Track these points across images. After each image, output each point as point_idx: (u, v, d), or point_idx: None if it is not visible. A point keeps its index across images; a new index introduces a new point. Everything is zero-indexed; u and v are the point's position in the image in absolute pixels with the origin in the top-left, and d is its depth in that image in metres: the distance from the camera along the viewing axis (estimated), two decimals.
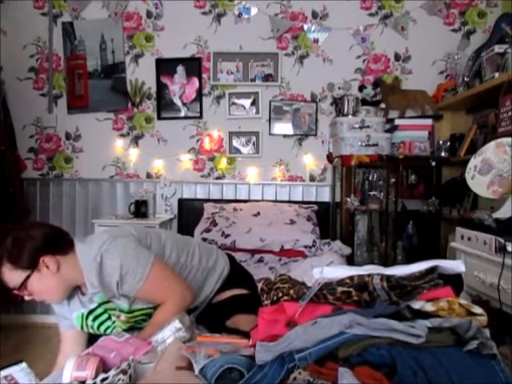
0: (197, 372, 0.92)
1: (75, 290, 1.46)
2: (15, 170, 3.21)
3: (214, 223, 2.91)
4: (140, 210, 3.19)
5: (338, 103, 3.17)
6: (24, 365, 1.18)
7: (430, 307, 0.91)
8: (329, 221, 3.27)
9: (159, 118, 3.40)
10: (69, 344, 1.53)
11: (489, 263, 1.81)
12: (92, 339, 1.44)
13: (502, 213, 1.90)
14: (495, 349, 0.82)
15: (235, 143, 3.38)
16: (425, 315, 0.88)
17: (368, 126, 2.91)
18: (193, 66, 3.36)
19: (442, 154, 3.03)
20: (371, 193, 2.99)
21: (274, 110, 3.34)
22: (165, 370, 0.97)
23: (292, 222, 2.88)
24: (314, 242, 2.77)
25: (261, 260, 2.75)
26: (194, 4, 3.34)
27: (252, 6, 3.30)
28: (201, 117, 3.38)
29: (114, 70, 3.39)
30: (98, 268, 1.35)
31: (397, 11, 3.28)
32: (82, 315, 1.47)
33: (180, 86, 3.37)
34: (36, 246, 1.32)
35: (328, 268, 1.05)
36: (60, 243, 1.39)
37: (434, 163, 2.88)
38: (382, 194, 2.96)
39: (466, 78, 2.88)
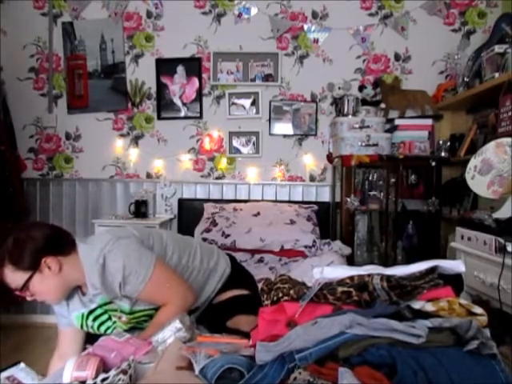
0: (197, 372, 0.92)
1: (75, 290, 1.46)
2: (15, 170, 3.21)
3: (214, 223, 2.91)
4: (140, 210, 3.19)
5: (338, 103, 3.17)
6: (22, 365, 1.19)
7: (430, 307, 0.91)
8: (329, 221, 3.27)
9: (159, 118, 3.40)
10: (66, 341, 1.53)
11: (489, 263, 1.81)
12: (92, 339, 1.44)
13: (502, 213, 1.90)
14: (495, 349, 0.82)
15: (235, 143, 3.38)
16: (425, 315, 0.88)
17: (368, 126, 2.91)
18: (193, 65, 3.36)
19: (442, 153, 3.03)
20: (371, 193, 2.99)
21: (274, 109, 3.35)
22: (165, 370, 0.97)
23: (292, 222, 2.88)
24: (314, 242, 2.77)
25: (261, 260, 2.75)
26: (194, 4, 3.34)
27: (252, 6, 3.30)
28: (201, 117, 3.38)
29: (114, 70, 3.39)
30: (101, 269, 1.35)
31: (397, 11, 3.28)
32: (83, 315, 1.47)
33: (180, 86, 3.37)
34: (37, 246, 1.32)
35: (328, 268, 1.05)
36: (61, 244, 1.38)
37: (434, 163, 2.88)
38: (381, 193, 2.96)
39: (465, 78, 2.88)
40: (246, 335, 1.15)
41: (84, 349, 1.38)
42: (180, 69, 3.36)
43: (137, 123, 3.42)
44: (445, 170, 3.05)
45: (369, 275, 0.96)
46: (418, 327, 0.81)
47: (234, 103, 3.36)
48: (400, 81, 3.27)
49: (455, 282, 1.00)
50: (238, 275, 1.72)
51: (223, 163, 3.40)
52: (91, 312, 1.46)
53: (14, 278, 1.31)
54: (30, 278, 1.31)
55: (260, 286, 1.16)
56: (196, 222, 3.02)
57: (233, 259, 1.79)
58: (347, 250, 2.80)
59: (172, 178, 3.41)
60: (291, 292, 1.03)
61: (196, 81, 3.36)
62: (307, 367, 0.81)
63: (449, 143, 3.06)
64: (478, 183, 1.98)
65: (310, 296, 0.97)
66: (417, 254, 2.71)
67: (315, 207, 3.14)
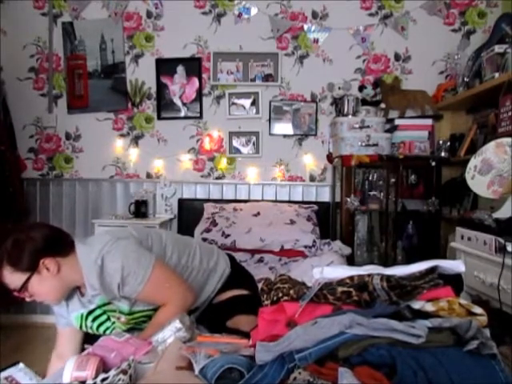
0: (197, 372, 0.92)
1: (74, 291, 1.46)
2: (15, 170, 3.21)
3: (214, 223, 2.91)
4: (140, 209, 3.19)
5: (338, 103, 3.17)
6: (21, 365, 1.19)
7: (430, 307, 0.91)
8: (329, 221, 3.27)
9: (159, 117, 3.40)
10: (64, 341, 1.53)
11: (489, 263, 1.81)
12: (92, 339, 1.44)
13: (502, 213, 1.90)
14: (495, 349, 0.82)
15: (235, 143, 3.38)
16: (425, 315, 0.88)
17: (368, 126, 2.91)
18: (193, 65, 3.36)
19: (442, 153, 3.03)
20: (371, 193, 2.99)
21: (274, 110, 3.34)
22: (165, 370, 0.97)
23: (292, 222, 2.88)
24: (314, 242, 2.77)
25: (261, 260, 2.75)
26: (194, 4, 3.34)
27: (252, 6, 3.30)
28: (201, 117, 3.38)
29: (114, 70, 3.39)
30: (99, 270, 1.35)
31: (397, 11, 3.28)
32: (82, 316, 1.47)
33: (180, 86, 3.37)
34: (36, 247, 1.32)
35: (328, 268, 1.05)
36: (60, 245, 1.38)
37: (433, 163, 2.88)
38: (381, 194, 2.96)
39: (465, 78, 2.88)
40: (246, 335, 1.15)
41: (83, 349, 1.37)
42: (180, 69, 3.36)
43: (137, 123, 3.42)
44: (445, 170, 3.05)
45: (369, 275, 0.96)
46: (418, 327, 0.81)
47: (233, 103, 3.36)
48: (400, 81, 3.27)
49: (455, 282, 1.00)
50: (238, 275, 1.72)
51: (223, 163, 3.40)
52: (90, 313, 1.46)
53: (13, 279, 1.31)
54: (29, 279, 1.31)
55: (260, 285, 1.16)
56: (196, 222, 3.01)
57: (232, 259, 1.79)
58: (347, 250, 2.80)
59: (172, 177, 3.41)
60: (291, 292, 1.03)
61: (196, 81, 3.36)
62: (307, 367, 0.81)
63: (449, 143, 3.06)
64: (478, 183, 1.98)
65: (309, 296, 0.97)
66: (417, 254, 2.71)
67: (315, 207, 3.14)
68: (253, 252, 2.80)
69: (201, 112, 3.38)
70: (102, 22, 3.36)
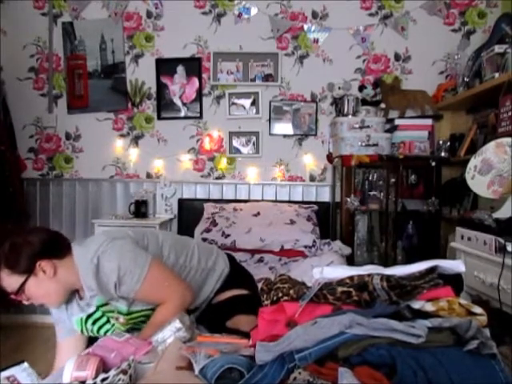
0: (197, 372, 0.92)
1: (73, 295, 1.46)
2: (15, 170, 3.21)
3: (214, 223, 2.91)
4: (140, 210, 3.19)
5: (338, 103, 3.17)
6: (26, 365, 1.18)
7: (429, 307, 0.91)
8: (329, 221, 3.27)
9: (159, 118, 3.40)
10: (65, 355, 1.48)
11: (489, 263, 1.81)
12: (91, 340, 1.44)
13: (502, 213, 1.90)
14: (495, 348, 0.82)
15: (235, 143, 3.38)
16: (425, 315, 0.88)
17: (368, 126, 2.91)
18: (193, 65, 3.36)
19: (442, 154, 3.03)
20: (371, 193, 2.99)
21: (274, 110, 3.34)
22: (165, 370, 0.97)
23: (292, 222, 2.88)
24: (314, 242, 2.77)
25: (261, 260, 2.75)
26: (194, 4, 3.34)
27: (252, 6, 3.30)
28: (201, 117, 3.38)
29: (114, 70, 3.39)
30: (95, 270, 1.35)
31: (397, 11, 3.28)
32: (81, 319, 1.47)
33: (180, 86, 3.37)
34: (33, 250, 1.32)
35: (328, 268, 1.05)
36: (57, 247, 1.39)
37: (433, 163, 2.88)
38: (381, 194, 2.96)
39: (466, 78, 2.88)
40: (246, 335, 1.15)
41: None
42: (180, 69, 3.36)
43: (137, 123, 3.42)
44: (445, 170, 3.05)
45: (369, 275, 0.96)
46: (418, 327, 0.81)
47: (234, 103, 3.36)
48: (400, 81, 3.27)
49: (455, 281, 1.00)
50: (237, 275, 1.72)
51: (223, 163, 3.40)
52: (90, 316, 1.46)
53: (10, 281, 1.32)
54: (25, 281, 1.31)
55: (260, 285, 1.16)
56: (196, 222, 3.01)
57: (232, 259, 1.79)
58: (347, 250, 2.80)
59: (172, 177, 3.41)
60: (291, 292, 1.03)
61: (196, 81, 3.36)
62: (307, 367, 0.81)
63: (449, 143, 3.06)
64: (478, 183, 1.98)
65: (309, 296, 0.97)
66: (417, 254, 2.70)
67: (315, 207, 3.14)
68: (253, 252, 2.80)
69: (201, 112, 3.38)
70: (102, 21, 3.36)
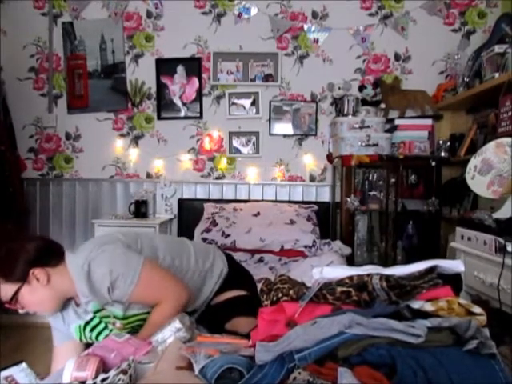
0: (197, 372, 0.92)
1: (69, 302, 1.45)
2: (15, 170, 3.21)
3: (214, 223, 2.91)
4: (140, 210, 3.19)
5: (338, 103, 3.17)
6: (24, 365, 1.18)
7: (429, 307, 0.91)
8: (329, 221, 3.27)
9: (159, 118, 3.40)
10: (61, 361, 1.45)
11: (489, 263, 1.81)
12: (88, 344, 1.43)
13: (502, 213, 1.90)
14: (495, 348, 0.82)
15: (235, 143, 3.38)
16: (424, 315, 0.88)
17: (368, 126, 2.91)
18: (193, 65, 3.36)
19: (442, 154, 3.03)
20: (371, 193, 2.99)
21: (274, 110, 3.35)
22: (165, 370, 0.97)
23: (292, 222, 2.88)
24: (314, 242, 2.77)
25: (261, 260, 2.75)
26: (194, 4, 3.34)
27: (252, 6, 3.30)
28: (201, 117, 3.38)
29: (114, 70, 3.39)
30: (87, 276, 1.34)
31: (397, 11, 3.28)
32: (80, 327, 1.46)
33: (180, 86, 3.37)
34: (28, 259, 1.32)
35: (328, 268, 1.05)
36: (51, 255, 1.38)
37: (433, 163, 2.88)
38: (381, 194, 2.96)
39: (466, 78, 2.88)
40: (246, 336, 1.15)
41: None
42: (180, 69, 3.36)
43: (137, 123, 3.42)
44: (445, 170, 3.05)
45: (368, 275, 0.96)
46: (418, 327, 0.81)
47: (234, 103, 3.36)
48: (400, 81, 3.27)
49: (454, 281, 1.00)
50: (236, 275, 1.71)
51: (223, 163, 3.40)
52: (87, 323, 1.45)
53: (4, 290, 1.31)
54: (19, 289, 1.31)
55: (260, 286, 1.16)
56: (196, 222, 3.01)
57: (230, 258, 1.78)
58: (347, 250, 2.80)
59: (172, 177, 3.41)
60: (291, 292, 1.03)
61: (196, 81, 3.36)
62: (307, 367, 0.81)
63: (449, 143, 3.06)
64: (478, 183, 1.98)
65: (309, 296, 0.97)
66: (417, 254, 2.70)
67: (315, 207, 3.14)
68: (253, 252, 2.80)
69: (201, 112, 3.38)
70: (102, 22, 3.36)
